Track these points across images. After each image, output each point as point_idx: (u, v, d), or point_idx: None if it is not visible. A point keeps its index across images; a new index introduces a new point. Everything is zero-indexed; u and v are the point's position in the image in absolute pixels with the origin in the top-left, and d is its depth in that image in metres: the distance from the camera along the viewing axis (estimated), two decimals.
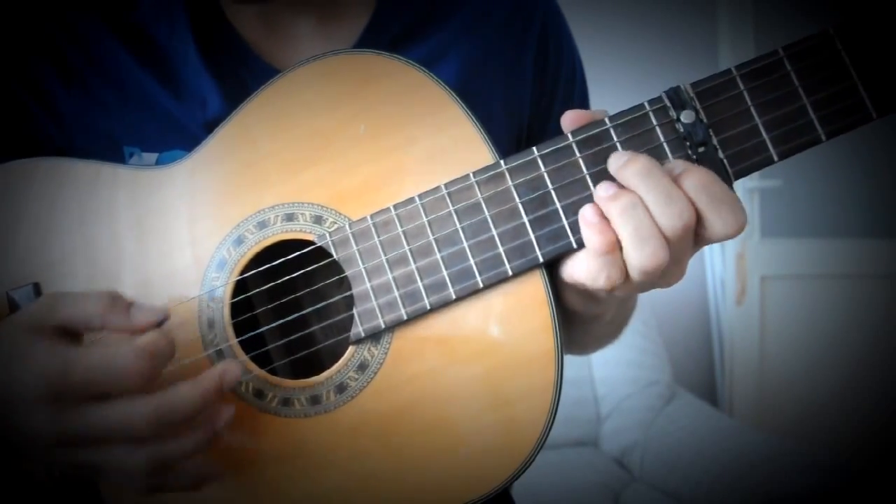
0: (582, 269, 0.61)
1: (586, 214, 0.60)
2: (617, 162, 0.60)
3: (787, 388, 2.71)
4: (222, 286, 0.65)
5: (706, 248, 2.67)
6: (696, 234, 0.60)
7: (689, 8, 2.65)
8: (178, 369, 0.63)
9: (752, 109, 0.61)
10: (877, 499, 1.70)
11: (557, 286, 0.64)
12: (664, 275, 0.61)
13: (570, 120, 0.63)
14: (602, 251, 0.59)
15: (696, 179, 0.59)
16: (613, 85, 2.01)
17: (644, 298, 0.69)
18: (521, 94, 0.82)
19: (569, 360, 0.68)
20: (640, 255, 0.58)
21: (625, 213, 0.58)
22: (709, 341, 2.76)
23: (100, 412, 0.53)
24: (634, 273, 0.59)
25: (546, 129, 0.84)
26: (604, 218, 0.59)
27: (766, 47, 0.62)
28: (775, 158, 0.62)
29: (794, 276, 2.73)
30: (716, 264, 2.71)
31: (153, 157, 0.72)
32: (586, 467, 2.12)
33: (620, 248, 0.59)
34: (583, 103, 0.88)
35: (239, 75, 0.74)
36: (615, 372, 2.29)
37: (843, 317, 2.69)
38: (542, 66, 0.83)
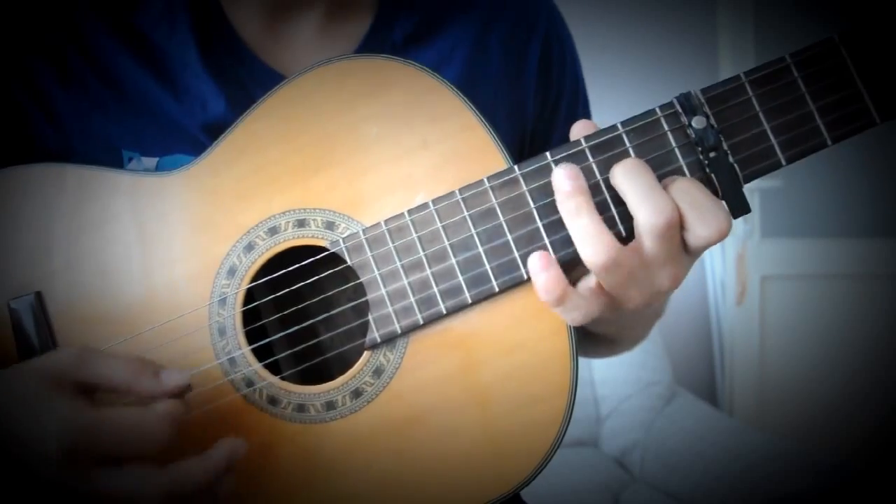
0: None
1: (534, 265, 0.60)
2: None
3: (787, 388, 2.71)
4: (234, 293, 0.64)
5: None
6: (682, 240, 0.60)
7: (690, 15, 2.65)
8: (191, 379, 0.62)
9: (761, 115, 0.62)
10: (877, 499, 1.71)
11: None
12: (654, 275, 0.61)
13: (579, 131, 0.64)
14: (553, 301, 0.60)
15: (681, 184, 0.60)
16: (614, 89, 2.01)
17: None
18: (525, 99, 0.82)
19: None
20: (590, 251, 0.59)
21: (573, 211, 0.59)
22: (709, 341, 2.76)
23: (113, 479, 0.53)
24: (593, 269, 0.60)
25: (549, 139, 0.85)
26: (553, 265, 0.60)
27: (767, 53, 0.62)
28: (783, 162, 0.62)
29: (794, 276, 2.73)
30: (716, 264, 2.70)
31: (153, 161, 0.71)
32: (586, 467, 2.12)
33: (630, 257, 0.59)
34: (584, 111, 0.89)
35: (239, 77, 0.73)
36: (615, 372, 2.29)
37: (843, 317, 2.69)
38: (545, 71, 0.83)
